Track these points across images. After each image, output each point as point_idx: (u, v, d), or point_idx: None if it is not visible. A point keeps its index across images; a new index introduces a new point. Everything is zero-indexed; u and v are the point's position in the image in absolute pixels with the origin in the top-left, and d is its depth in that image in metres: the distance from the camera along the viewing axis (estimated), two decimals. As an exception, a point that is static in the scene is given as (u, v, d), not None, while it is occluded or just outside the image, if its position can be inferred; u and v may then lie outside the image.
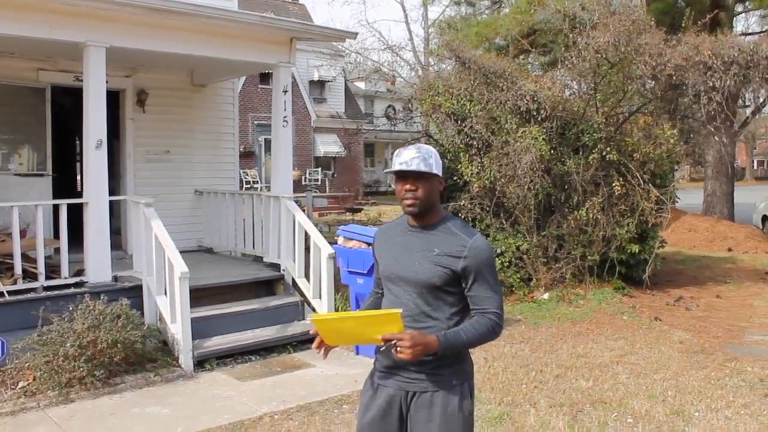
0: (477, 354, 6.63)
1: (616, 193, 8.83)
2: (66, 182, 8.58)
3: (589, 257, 9.05)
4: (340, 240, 7.46)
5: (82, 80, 6.91)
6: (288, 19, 7.83)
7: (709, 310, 8.84)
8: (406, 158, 2.54)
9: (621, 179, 8.90)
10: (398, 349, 2.37)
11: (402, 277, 2.61)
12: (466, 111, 9.28)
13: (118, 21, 6.77)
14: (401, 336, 2.38)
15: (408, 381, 2.57)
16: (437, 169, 2.56)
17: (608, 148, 8.85)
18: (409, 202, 2.56)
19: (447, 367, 2.55)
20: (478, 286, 2.53)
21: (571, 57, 9.02)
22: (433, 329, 2.51)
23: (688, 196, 20.50)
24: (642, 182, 8.89)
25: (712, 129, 9.50)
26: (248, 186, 24.62)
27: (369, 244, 6.30)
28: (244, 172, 24.82)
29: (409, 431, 2.60)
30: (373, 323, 2.44)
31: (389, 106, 35.13)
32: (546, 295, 9.02)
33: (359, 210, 21.84)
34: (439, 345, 2.42)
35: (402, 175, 2.56)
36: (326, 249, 7.27)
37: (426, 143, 11.34)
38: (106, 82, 7.01)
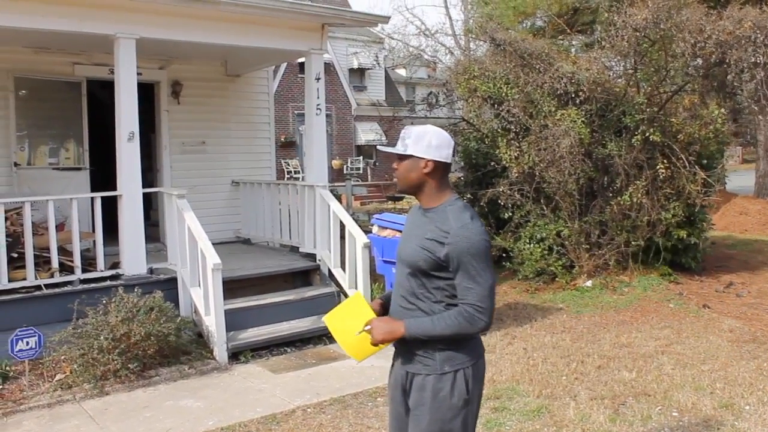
0: (516, 345, 6.50)
1: (661, 176, 8.51)
2: (104, 175, 8.63)
3: (633, 243, 8.77)
4: (375, 229, 7.36)
5: (115, 73, 6.91)
6: (318, 4, 7.68)
7: (762, 297, 8.47)
8: None
9: (665, 161, 8.57)
10: (372, 334, 2.55)
11: (402, 257, 2.65)
12: (503, 94, 9.04)
13: (146, 12, 6.74)
14: (370, 321, 2.57)
15: (407, 363, 2.62)
16: (416, 149, 2.55)
17: (651, 130, 8.52)
18: (395, 180, 2.71)
19: (438, 352, 2.53)
20: (460, 275, 2.47)
21: (609, 37, 8.70)
22: (419, 312, 2.56)
23: (739, 178, 19.85)
24: (688, 164, 8.55)
25: (756, 108, 9.05)
26: (289, 176, 24.67)
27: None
28: (285, 162, 24.90)
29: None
30: (348, 312, 2.67)
31: (430, 93, 34.81)
32: (589, 283, 8.78)
33: (401, 198, 21.61)
34: (405, 330, 2.51)
35: None
36: (361, 238, 7.16)
37: (464, 129, 11.19)
38: (140, 74, 7.00)
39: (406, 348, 2.59)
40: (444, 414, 2.52)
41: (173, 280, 6.93)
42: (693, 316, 7.48)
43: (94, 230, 6.93)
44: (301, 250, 8.28)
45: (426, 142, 2.53)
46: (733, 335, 6.69)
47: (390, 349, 2.71)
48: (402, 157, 2.58)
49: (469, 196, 10.42)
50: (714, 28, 8.17)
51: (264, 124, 10.19)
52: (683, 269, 9.24)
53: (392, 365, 2.76)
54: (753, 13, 8.43)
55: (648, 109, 8.78)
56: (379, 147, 2.74)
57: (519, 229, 9.26)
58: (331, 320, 2.74)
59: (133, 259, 6.82)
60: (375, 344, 2.55)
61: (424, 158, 2.54)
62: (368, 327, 2.55)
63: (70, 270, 6.61)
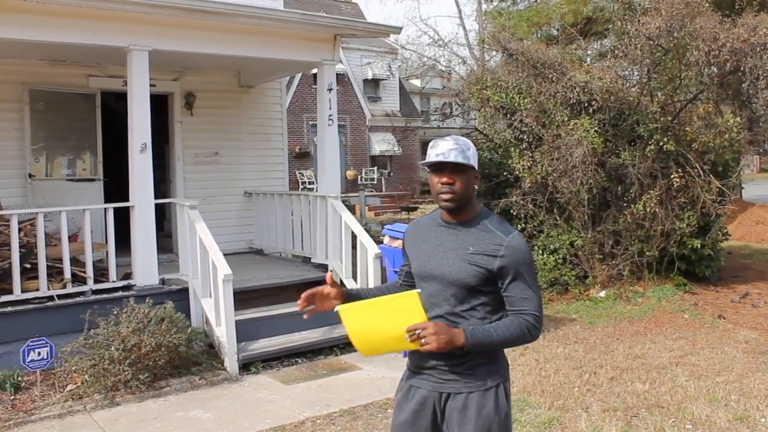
0: (528, 356, 6.44)
1: (675, 185, 8.44)
2: (118, 187, 8.68)
3: (647, 253, 8.69)
4: (386, 239, 7.35)
5: (129, 85, 6.96)
6: (330, 15, 7.71)
7: (778, 308, 8.37)
8: (443, 149, 2.40)
9: (680, 170, 8.50)
10: (422, 341, 2.25)
11: (435, 275, 2.47)
12: (516, 104, 9.02)
13: (159, 24, 6.79)
14: (424, 324, 2.27)
15: (441, 382, 2.46)
16: (474, 162, 2.43)
17: (665, 139, 8.46)
18: (446, 196, 2.42)
19: (481, 367, 2.42)
20: (515, 286, 2.39)
21: (623, 45, 8.67)
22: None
23: (756, 187, 19.70)
24: (702, 173, 8.48)
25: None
26: (303, 186, 24.70)
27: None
28: (300, 173, 24.95)
29: None
30: (393, 309, 2.32)
31: (444, 103, 34.75)
32: (602, 293, 8.71)
33: (415, 209, 21.56)
34: (465, 339, 2.30)
35: (439, 168, 2.42)
36: (372, 249, 7.15)
37: (477, 138, 11.16)
38: (154, 85, 7.06)
39: (443, 364, 2.43)
40: (489, 431, 2.42)
41: (185, 291, 6.95)
42: (708, 326, 7.39)
43: (106, 241, 6.97)
44: (313, 260, 8.28)
45: (473, 153, 2.45)
46: (749, 346, 6.60)
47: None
48: (461, 169, 2.41)
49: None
50: (728, 35, 8.11)
51: (277, 135, 10.22)
52: (698, 279, 9.15)
53: (409, 386, 2.57)
54: (768, 19, 8.38)
55: (662, 118, 8.72)
56: (452, 159, 2.39)
57: (532, 240, 9.21)
58: (360, 308, 2.39)
59: (145, 269, 6.85)
60: (430, 351, 2.28)
61: (475, 169, 2.46)
62: (419, 331, 2.26)
63: (83, 281, 6.65)
